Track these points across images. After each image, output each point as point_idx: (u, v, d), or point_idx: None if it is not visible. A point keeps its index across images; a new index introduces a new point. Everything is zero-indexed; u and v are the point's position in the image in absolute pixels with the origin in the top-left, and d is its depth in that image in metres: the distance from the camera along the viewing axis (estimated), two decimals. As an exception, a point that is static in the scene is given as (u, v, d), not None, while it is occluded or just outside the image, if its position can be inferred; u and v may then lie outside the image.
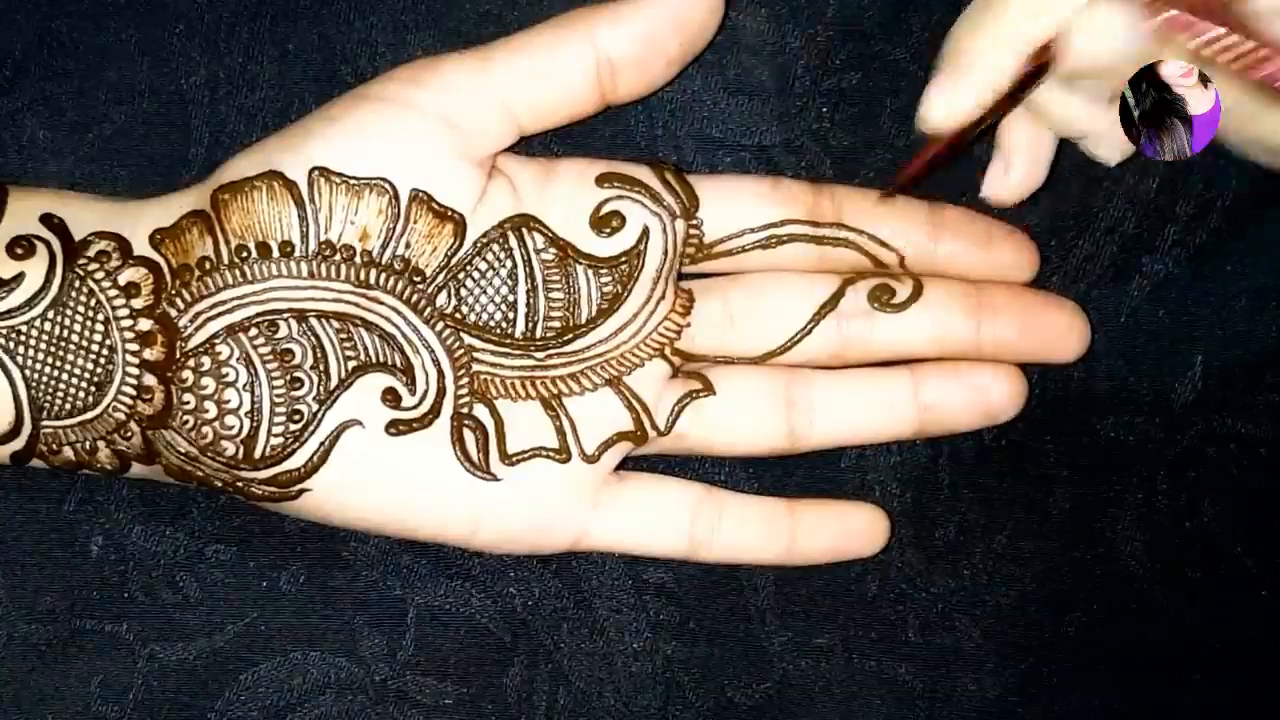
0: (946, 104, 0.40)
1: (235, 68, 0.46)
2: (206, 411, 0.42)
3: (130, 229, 0.42)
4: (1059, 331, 0.45)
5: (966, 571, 0.49)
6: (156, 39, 0.46)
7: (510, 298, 0.43)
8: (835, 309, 0.45)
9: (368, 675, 0.48)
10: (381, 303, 0.42)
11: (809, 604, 0.49)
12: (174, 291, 0.41)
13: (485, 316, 0.43)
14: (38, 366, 0.41)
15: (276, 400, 0.42)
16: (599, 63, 0.42)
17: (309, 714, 0.47)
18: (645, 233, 0.43)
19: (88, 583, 0.47)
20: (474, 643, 0.48)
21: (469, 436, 0.43)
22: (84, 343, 0.41)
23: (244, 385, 0.42)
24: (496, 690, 0.48)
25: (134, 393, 0.42)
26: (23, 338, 0.41)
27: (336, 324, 0.42)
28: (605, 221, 0.43)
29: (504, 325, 0.43)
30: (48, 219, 0.42)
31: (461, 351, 0.43)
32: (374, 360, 0.42)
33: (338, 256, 0.41)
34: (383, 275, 0.42)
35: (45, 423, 0.42)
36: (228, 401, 0.42)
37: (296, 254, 0.41)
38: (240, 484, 0.42)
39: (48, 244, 0.41)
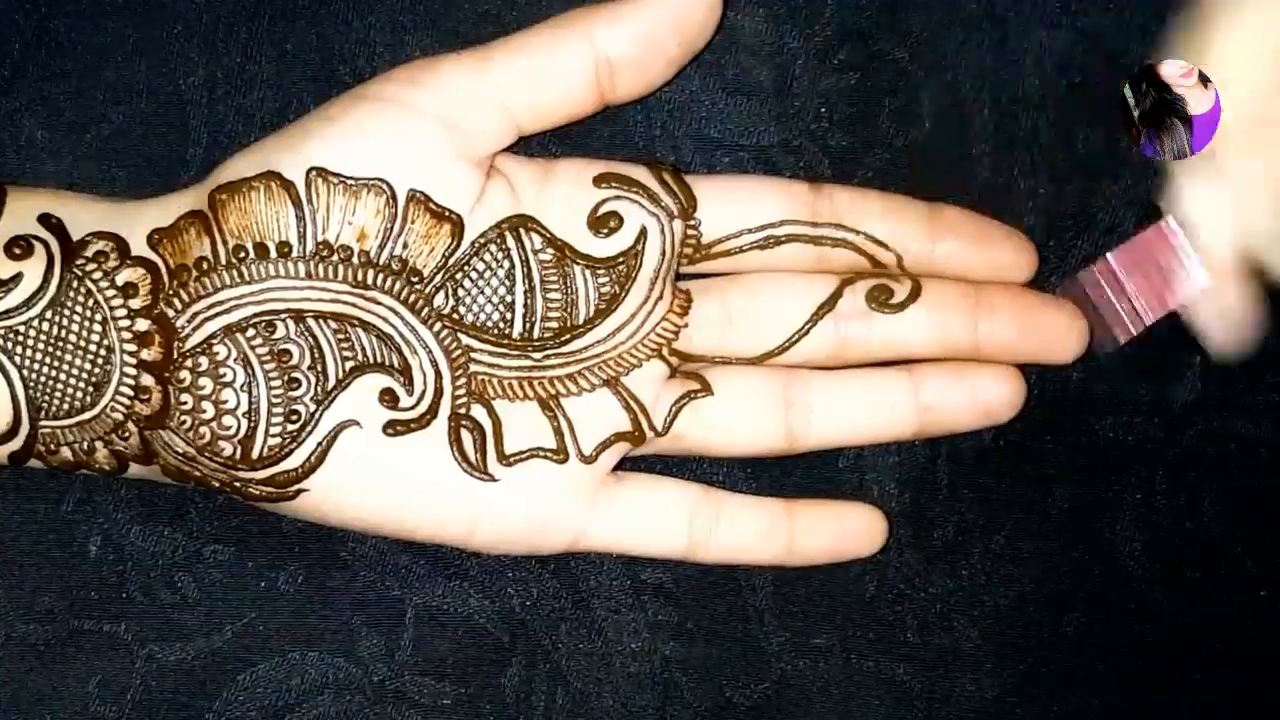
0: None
1: (233, 68, 0.46)
2: (204, 412, 0.42)
3: (128, 229, 0.42)
4: (1058, 332, 0.45)
5: (965, 572, 0.49)
6: (154, 39, 0.46)
7: (508, 298, 0.43)
8: (833, 309, 0.45)
9: (366, 675, 0.48)
10: (379, 303, 0.42)
11: (807, 604, 0.49)
12: (172, 292, 0.41)
13: (483, 317, 0.43)
14: (35, 367, 0.41)
15: (274, 400, 0.42)
16: (598, 63, 0.42)
17: (307, 714, 0.47)
18: (643, 233, 0.43)
19: (86, 583, 0.47)
20: (472, 643, 0.48)
21: (466, 437, 0.43)
22: (82, 343, 0.41)
23: (241, 385, 0.42)
24: (494, 690, 0.48)
25: (132, 393, 0.42)
26: (20, 338, 0.41)
27: (334, 324, 0.42)
28: (603, 222, 0.43)
29: (502, 326, 0.43)
30: (46, 219, 0.42)
31: (459, 352, 0.43)
32: (371, 361, 0.42)
33: (335, 257, 0.41)
34: (380, 276, 0.42)
35: (43, 423, 0.42)
36: (225, 402, 0.42)
37: (294, 254, 0.41)
38: (238, 484, 0.42)
39: (46, 244, 0.41)
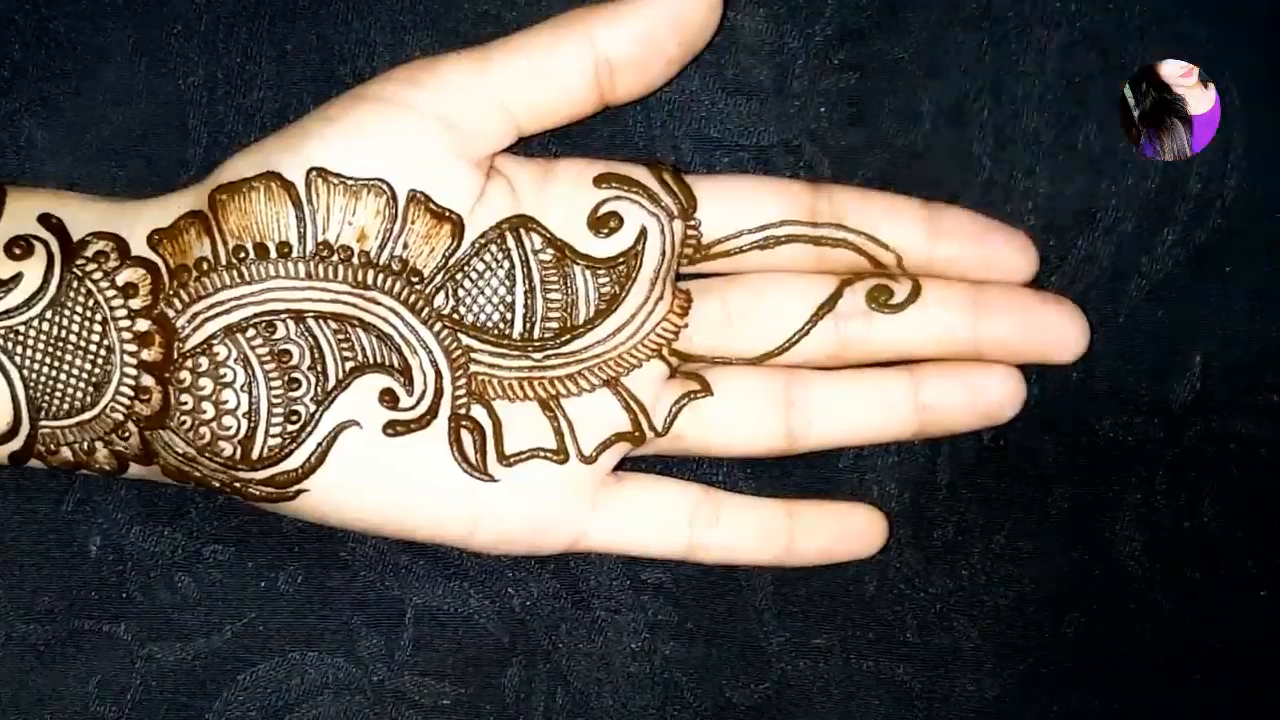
0: None
1: (233, 68, 0.46)
2: (204, 412, 0.42)
3: (128, 229, 0.42)
4: (1058, 332, 0.45)
5: (965, 572, 0.49)
6: (154, 40, 0.46)
7: (508, 298, 0.43)
8: (833, 309, 0.45)
9: (365, 675, 0.48)
10: (379, 303, 0.42)
11: (807, 604, 0.49)
12: (172, 292, 0.41)
13: (483, 317, 0.43)
14: (36, 367, 0.41)
15: (274, 401, 0.42)
16: (598, 63, 0.42)
17: (307, 714, 0.48)
18: (643, 233, 0.43)
19: (86, 583, 0.47)
20: (472, 643, 0.48)
21: (467, 437, 0.43)
22: (82, 343, 0.41)
23: (241, 386, 0.42)
24: (494, 691, 0.48)
25: (132, 393, 0.42)
26: (21, 338, 0.41)
27: (334, 325, 0.42)
28: (603, 222, 0.43)
29: (502, 326, 0.43)
30: (46, 219, 0.42)
31: (459, 352, 0.43)
32: (371, 361, 0.42)
33: (335, 257, 0.41)
34: (380, 276, 0.42)
35: (43, 423, 0.42)
36: (225, 402, 0.42)
37: (294, 254, 0.41)
38: (238, 484, 0.42)
39: (46, 244, 0.41)
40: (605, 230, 0.43)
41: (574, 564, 0.48)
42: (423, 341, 0.42)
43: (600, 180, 0.43)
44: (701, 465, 0.48)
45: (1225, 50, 0.47)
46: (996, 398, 0.45)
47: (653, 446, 0.45)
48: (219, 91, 0.46)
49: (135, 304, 0.41)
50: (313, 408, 0.42)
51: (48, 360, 0.41)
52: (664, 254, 0.44)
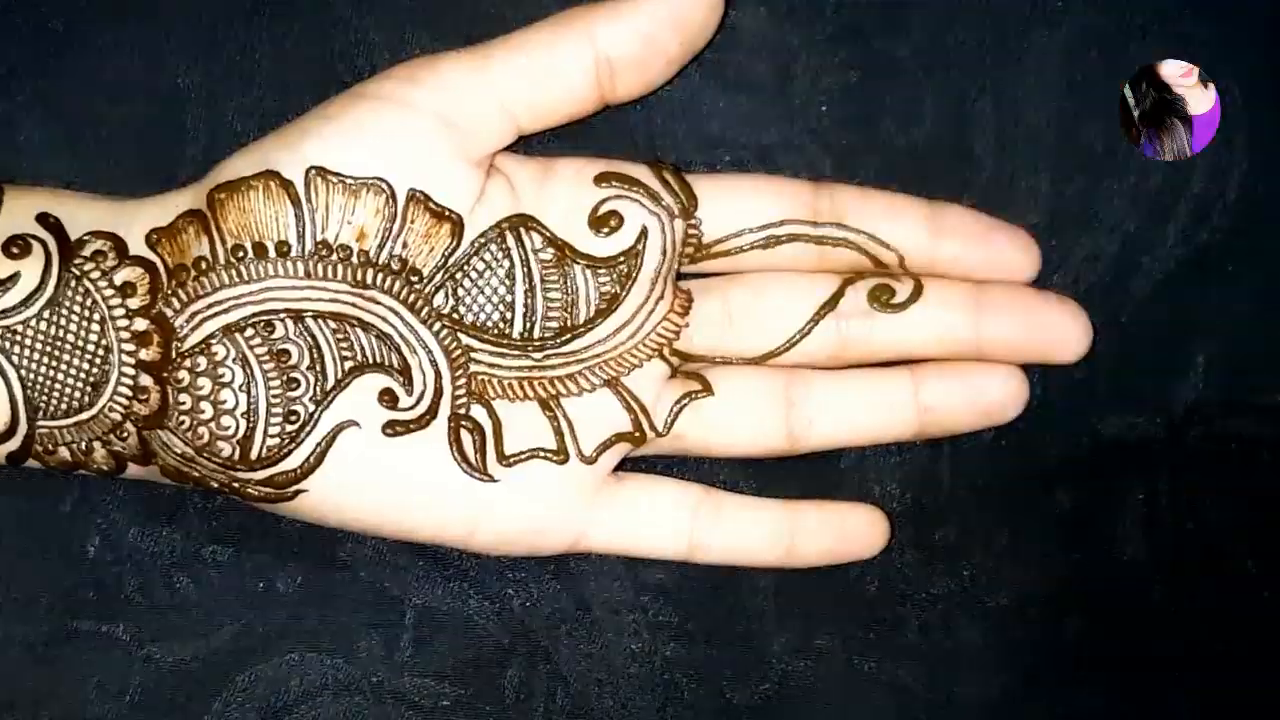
0: None
1: (232, 67, 0.46)
2: (203, 412, 0.42)
3: (126, 228, 0.42)
4: (1061, 332, 0.45)
5: (966, 572, 0.49)
6: (153, 38, 0.46)
7: (508, 298, 0.43)
8: (835, 309, 0.45)
9: (365, 676, 0.48)
10: (378, 303, 0.42)
11: (808, 605, 0.49)
12: (170, 291, 0.41)
13: (483, 317, 0.43)
14: (33, 366, 0.41)
15: (273, 401, 0.42)
16: (598, 62, 0.42)
17: (306, 715, 0.47)
18: (644, 232, 0.43)
19: (84, 583, 0.47)
20: (471, 644, 0.48)
21: (466, 437, 0.43)
22: (80, 343, 0.41)
23: (240, 386, 0.42)
24: (494, 691, 0.48)
25: (130, 393, 0.41)
26: (18, 337, 0.41)
27: (333, 324, 0.42)
28: (603, 221, 0.43)
29: (502, 325, 0.43)
30: (44, 218, 0.42)
31: (459, 352, 0.43)
32: (371, 361, 0.42)
33: (334, 256, 0.41)
34: (380, 275, 0.42)
35: (41, 423, 0.42)
36: (224, 402, 0.42)
37: (293, 254, 0.41)
38: (237, 485, 0.42)
39: (44, 243, 0.41)
40: (606, 229, 0.43)
41: (574, 565, 0.48)
42: (422, 341, 0.42)
43: (601, 179, 0.43)
44: (702, 464, 0.48)
45: (1225, 50, 0.47)
46: (998, 398, 0.45)
47: (653, 447, 0.45)
48: (218, 90, 0.46)
49: (133, 303, 0.41)
50: (312, 408, 0.42)
51: (45, 360, 0.41)
52: (665, 253, 0.44)
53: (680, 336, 0.44)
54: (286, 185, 0.41)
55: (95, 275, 0.41)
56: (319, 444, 0.42)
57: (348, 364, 0.42)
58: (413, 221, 0.41)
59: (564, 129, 0.44)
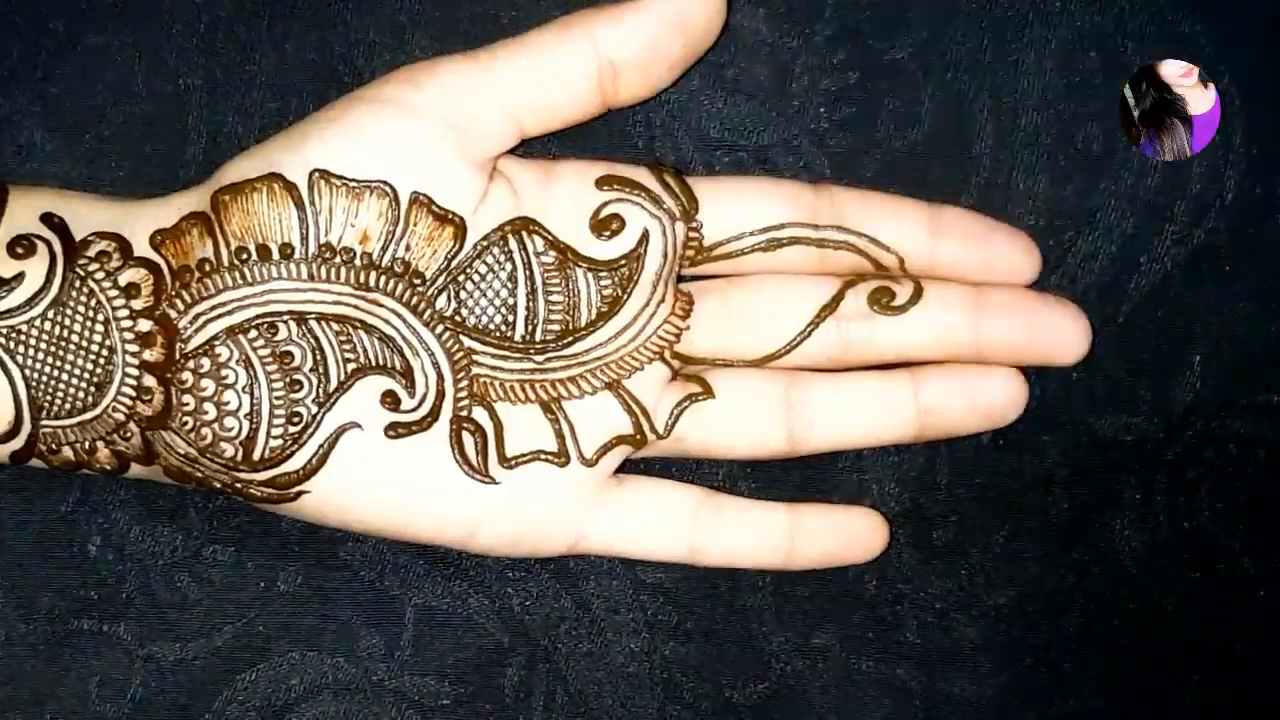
0: None
1: (233, 68, 0.46)
2: (206, 413, 0.42)
3: (130, 229, 0.42)
4: (1060, 334, 0.45)
5: (964, 572, 0.49)
6: (154, 39, 0.46)
7: (510, 301, 0.43)
8: (835, 311, 0.45)
9: (365, 675, 0.48)
10: (381, 305, 0.42)
11: (807, 604, 0.49)
12: (174, 293, 0.41)
13: (485, 319, 0.43)
14: (37, 366, 0.41)
15: (276, 402, 0.42)
16: (601, 65, 0.42)
17: (306, 714, 0.48)
18: (645, 235, 0.43)
19: (85, 583, 0.47)
20: (471, 643, 0.48)
21: (468, 439, 0.43)
22: (84, 343, 0.41)
23: (243, 387, 0.42)
24: (494, 691, 0.48)
25: (133, 393, 0.42)
26: (23, 337, 0.41)
27: (336, 326, 0.42)
28: (605, 224, 0.43)
29: (504, 328, 0.43)
30: (48, 218, 0.42)
31: (461, 354, 0.43)
32: (373, 363, 0.42)
33: (337, 259, 0.41)
34: (382, 278, 0.42)
35: (44, 422, 0.42)
36: (227, 403, 0.42)
37: (296, 256, 0.41)
38: (239, 485, 0.42)
39: (48, 244, 0.41)
40: (607, 232, 0.43)
41: (574, 564, 0.48)
42: (424, 343, 0.42)
43: (602, 182, 0.43)
44: (701, 464, 0.48)
45: (1225, 50, 0.47)
46: (998, 400, 0.45)
47: (654, 449, 0.45)
48: (219, 91, 0.46)
49: (137, 304, 0.41)
50: (314, 409, 0.42)
51: (49, 360, 0.41)
52: (666, 256, 0.44)
53: (681, 339, 0.45)
54: (290, 188, 0.41)
55: (100, 276, 0.41)
56: (321, 445, 0.42)
57: (350, 366, 0.42)
58: (416, 224, 0.41)
59: (563, 131, 0.44)
